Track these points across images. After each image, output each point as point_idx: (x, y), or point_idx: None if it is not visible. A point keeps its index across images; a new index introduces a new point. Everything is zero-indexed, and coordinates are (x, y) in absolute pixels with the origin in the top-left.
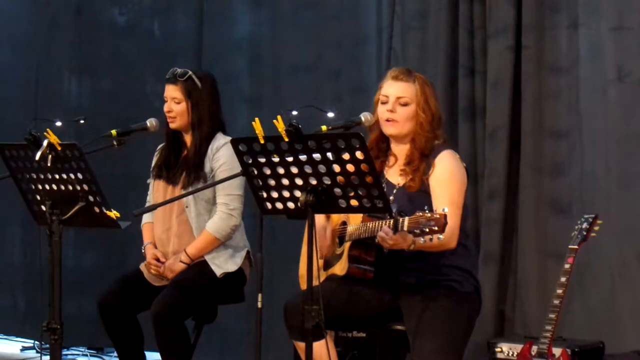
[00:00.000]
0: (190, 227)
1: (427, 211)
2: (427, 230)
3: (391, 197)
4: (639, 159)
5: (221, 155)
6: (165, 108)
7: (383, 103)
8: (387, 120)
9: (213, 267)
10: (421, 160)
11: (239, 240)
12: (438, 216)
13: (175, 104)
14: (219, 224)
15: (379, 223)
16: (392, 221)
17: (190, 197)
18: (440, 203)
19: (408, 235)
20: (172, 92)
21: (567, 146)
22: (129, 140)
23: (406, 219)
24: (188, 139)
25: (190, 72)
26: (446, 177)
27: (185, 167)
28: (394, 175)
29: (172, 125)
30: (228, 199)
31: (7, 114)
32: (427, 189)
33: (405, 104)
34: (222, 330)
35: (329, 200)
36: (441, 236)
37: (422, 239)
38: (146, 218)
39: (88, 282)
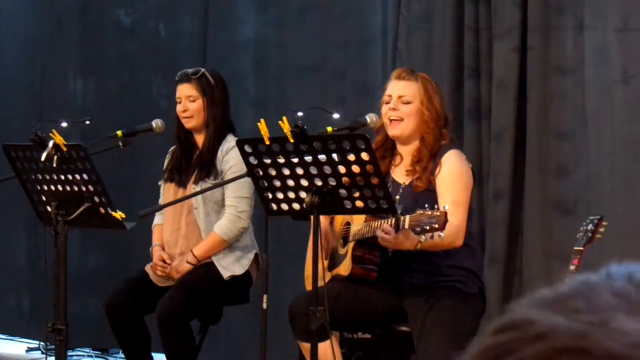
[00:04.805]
0: (199, 228)
1: (427, 209)
2: (428, 228)
3: (397, 197)
4: None
5: (231, 158)
6: (180, 108)
7: (387, 103)
8: (391, 121)
9: (219, 269)
10: (429, 160)
11: (247, 243)
12: (439, 214)
13: (190, 102)
14: (227, 225)
15: (381, 222)
16: (393, 220)
17: (200, 198)
18: (445, 202)
19: (412, 235)
20: (186, 90)
21: (572, 147)
22: (134, 141)
23: (407, 217)
24: (200, 139)
25: (203, 70)
26: (452, 177)
27: (197, 164)
28: (400, 174)
29: (187, 125)
30: (236, 201)
31: (13, 114)
32: (434, 188)
33: (407, 102)
34: (227, 331)
35: (334, 201)
36: (442, 234)
37: (423, 237)
38: (157, 219)
39: (93, 282)
